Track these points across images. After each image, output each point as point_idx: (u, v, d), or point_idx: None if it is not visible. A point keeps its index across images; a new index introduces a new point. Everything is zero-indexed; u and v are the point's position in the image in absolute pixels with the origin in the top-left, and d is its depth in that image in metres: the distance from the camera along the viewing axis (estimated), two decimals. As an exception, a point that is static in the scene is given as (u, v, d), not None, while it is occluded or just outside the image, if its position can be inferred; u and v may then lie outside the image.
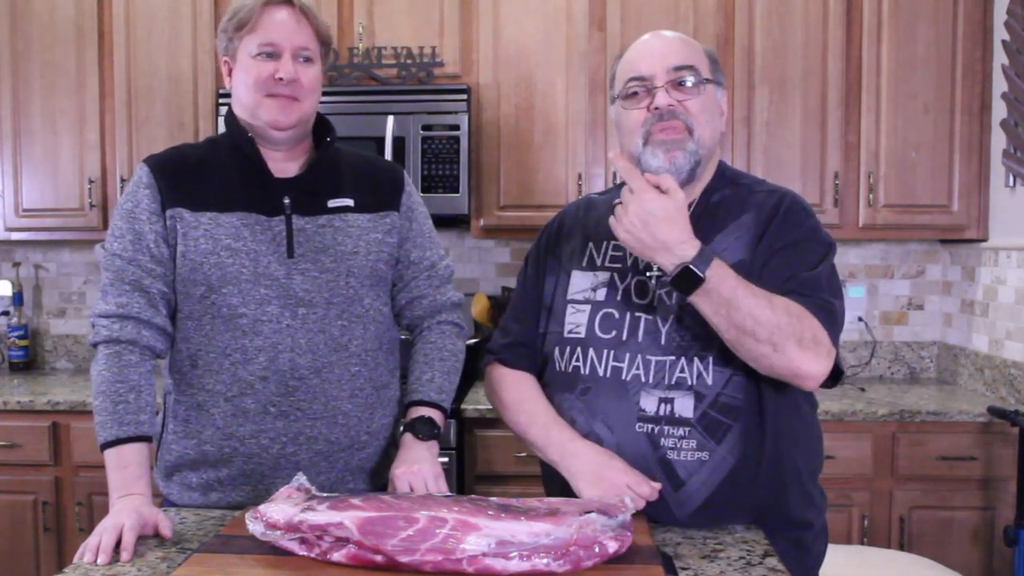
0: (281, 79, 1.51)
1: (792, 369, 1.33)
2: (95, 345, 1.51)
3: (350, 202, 1.60)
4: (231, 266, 1.51)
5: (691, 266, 1.29)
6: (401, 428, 1.63)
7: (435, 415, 1.63)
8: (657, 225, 1.30)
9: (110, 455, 1.44)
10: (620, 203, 1.35)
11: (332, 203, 1.59)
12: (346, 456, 1.60)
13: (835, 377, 1.40)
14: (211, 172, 1.56)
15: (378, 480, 1.66)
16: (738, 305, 1.30)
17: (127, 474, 1.43)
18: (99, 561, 1.27)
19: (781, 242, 1.41)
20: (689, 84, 1.43)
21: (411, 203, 1.70)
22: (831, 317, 1.37)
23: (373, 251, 1.60)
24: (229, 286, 1.51)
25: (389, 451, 1.69)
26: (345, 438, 1.59)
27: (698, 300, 1.32)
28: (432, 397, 1.64)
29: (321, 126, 1.64)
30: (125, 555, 1.28)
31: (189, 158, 1.59)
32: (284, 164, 1.59)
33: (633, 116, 1.45)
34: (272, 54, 1.52)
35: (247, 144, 1.57)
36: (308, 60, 1.55)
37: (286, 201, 1.56)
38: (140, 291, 1.51)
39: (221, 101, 2.99)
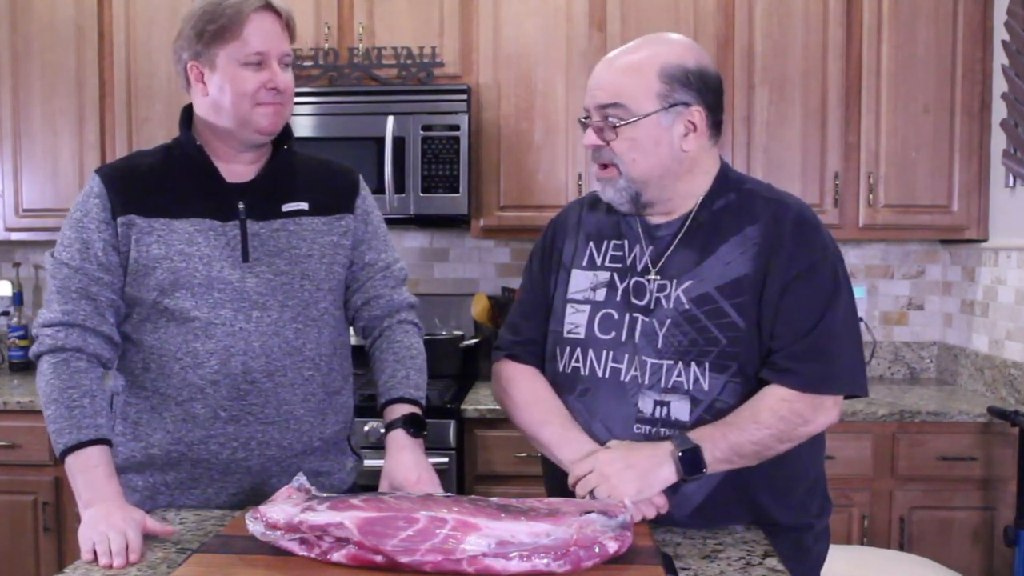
0: (274, 88, 1.51)
1: (811, 437, 1.43)
2: (38, 356, 1.49)
3: (304, 205, 1.60)
4: (183, 271, 1.50)
5: (680, 456, 1.35)
6: (387, 425, 1.60)
7: (419, 412, 1.61)
8: (630, 471, 1.36)
9: (73, 460, 1.42)
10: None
11: (286, 207, 1.59)
12: (298, 462, 1.59)
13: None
14: (164, 179, 1.55)
15: (331, 487, 1.65)
16: (740, 449, 1.37)
17: (97, 474, 1.41)
18: (115, 564, 1.26)
19: (794, 268, 1.41)
20: (613, 124, 1.42)
21: (366, 206, 1.69)
22: (835, 372, 1.41)
23: (328, 254, 1.60)
24: (181, 290, 1.50)
25: (342, 457, 1.69)
26: (298, 443, 1.58)
27: (712, 468, 1.36)
28: (412, 394, 1.62)
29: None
30: (134, 556, 1.28)
31: (140, 166, 1.57)
32: (239, 169, 1.58)
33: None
34: (260, 63, 1.50)
35: (198, 154, 1.56)
36: (287, 65, 1.55)
37: (240, 206, 1.55)
38: (87, 299, 1.49)
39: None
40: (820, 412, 1.40)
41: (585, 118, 1.48)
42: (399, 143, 2.90)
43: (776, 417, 1.37)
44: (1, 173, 3.16)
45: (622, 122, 1.41)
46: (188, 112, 1.61)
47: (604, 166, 1.46)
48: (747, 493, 1.42)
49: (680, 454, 1.34)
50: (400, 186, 2.91)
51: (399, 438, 1.57)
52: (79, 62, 3.11)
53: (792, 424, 1.38)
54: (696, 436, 1.36)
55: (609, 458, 1.37)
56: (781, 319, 1.40)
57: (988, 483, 2.63)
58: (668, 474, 1.35)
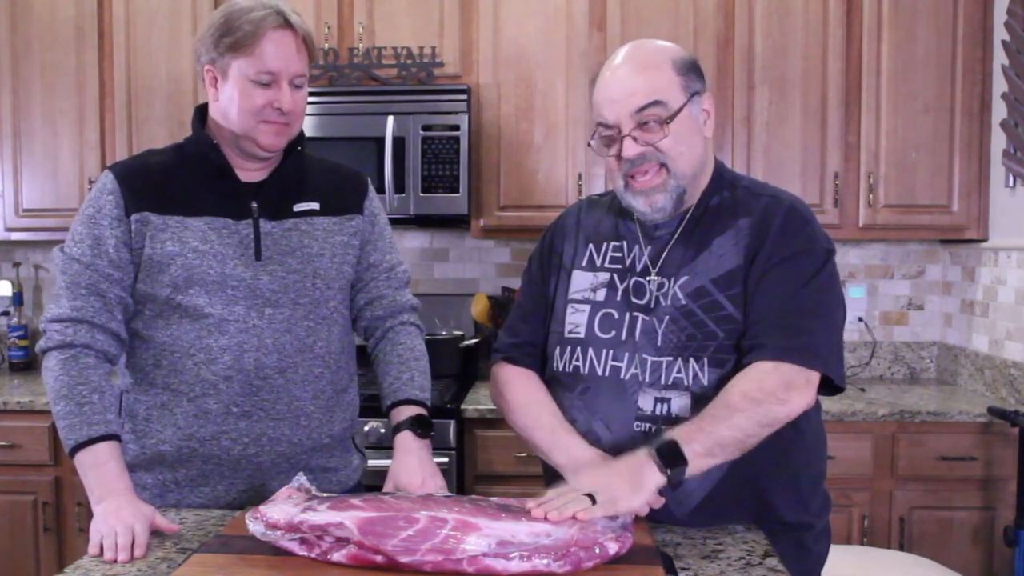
0: (279, 109, 1.51)
1: (790, 419, 1.37)
2: (45, 352, 1.50)
3: (316, 205, 1.61)
4: (197, 268, 1.51)
5: (656, 453, 1.29)
6: (394, 427, 1.61)
7: (425, 413, 1.63)
8: (617, 478, 1.30)
9: (83, 456, 1.43)
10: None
11: (298, 207, 1.60)
12: (307, 458, 1.60)
13: (835, 387, 1.43)
14: (177, 178, 1.56)
15: (337, 483, 1.66)
16: (719, 439, 1.31)
17: (107, 470, 1.42)
18: (120, 559, 1.28)
19: (777, 255, 1.41)
20: (656, 123, 1.40)
21: (373, 208, 1.71)
22: (806, 344, 1.37)
23: (339, 253, 1.62)
24: (195, 287, 1.51)
25: (348, 455, 1.70)
26: (307, 440, 1.59)
27: (696, 465, 1.31)
28: (418, 396, 1.65)
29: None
30: (139, 551, 1.29)
31: (154, 164, 1.58)
32: (251, 170, 1.60)
33: (609, 161, 1.46)
34: (270, 83, 1.51)
35: (213, 152, 1.57)
36: (299, 86, 1.55)
37: (253, 205, 1.56)
38: (96, 295, 1.50)
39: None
40: (793, 391, 1.34)
41: (608, 135, 1.43)
42: (399, 143, 2.90)
43: (748, 400, 1.33)
44: (1, 173, 3.16)
45: (666, 117, 1.40)
46: (200, 111, 1.62)
47: (644, 173, 1.42)
48: (749, 489, 1.42)
49: (656, 450, 1.30)
50: (400, 186, 2.91)
51: (407, 441, 1.58)
52: (79, 62, 3.11)
53: (766, 404, 1.33)
54: (671, 432, 1.33)
55: (592, 473, 1.33)
56: (756, 299, 1.40)
57: (988, 483, 2.63)
58: (652, 473, 1.29)
